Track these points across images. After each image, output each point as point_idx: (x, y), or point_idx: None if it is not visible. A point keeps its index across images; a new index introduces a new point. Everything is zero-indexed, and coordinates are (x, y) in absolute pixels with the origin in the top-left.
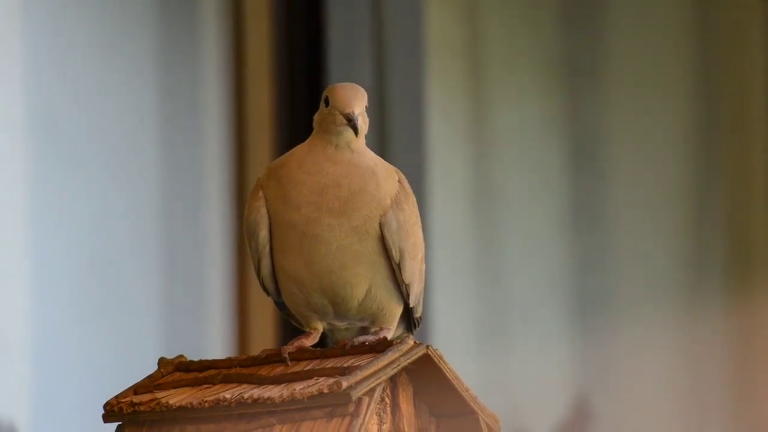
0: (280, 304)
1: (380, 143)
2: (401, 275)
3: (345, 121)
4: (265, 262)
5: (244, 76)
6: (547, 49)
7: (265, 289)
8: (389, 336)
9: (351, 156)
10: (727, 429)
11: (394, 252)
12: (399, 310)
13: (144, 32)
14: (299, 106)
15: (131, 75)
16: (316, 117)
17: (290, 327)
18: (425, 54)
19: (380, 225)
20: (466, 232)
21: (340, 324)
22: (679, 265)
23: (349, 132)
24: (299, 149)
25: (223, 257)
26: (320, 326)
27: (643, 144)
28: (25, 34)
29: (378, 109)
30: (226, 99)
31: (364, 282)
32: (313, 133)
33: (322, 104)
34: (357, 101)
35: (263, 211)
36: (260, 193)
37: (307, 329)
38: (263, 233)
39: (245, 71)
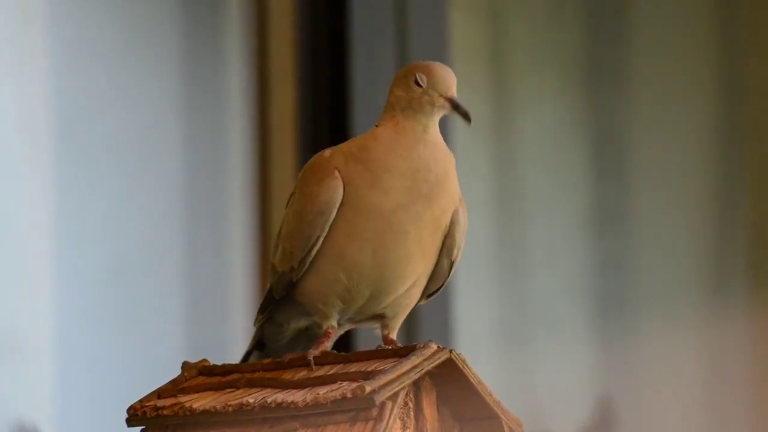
0: (271, 300)
1: None
2: (448, 273)
3: (447, 104)
4: (318, 246)
5: (268, 79)
6: (570, 52)
7: (280, 277)
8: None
9: (435, 138)
10: (751, 431)
11: (455, 250)
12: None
13: (166, 37)
14: (323, 109)
15: (154, 80)
16: (400, 94)
17: None
18: (449, 57)
19: (451, 221)
20: (489, 235)
21: (342, 323)
22: (702, 267)
23: (439, 114)
24: (383, 132)
25: (245, 260)
26: (336, 324)
27: (665, 147)
28: (48, 42)
29: None
30: (249, 102)
31: (412, 278)
32: (394, 112)
33: (409, 83)
34: (455, 85)
35: (341, 191)
36: (336, 173)
37: (324, 325)
38: (334, 214)
39: (268, 74)
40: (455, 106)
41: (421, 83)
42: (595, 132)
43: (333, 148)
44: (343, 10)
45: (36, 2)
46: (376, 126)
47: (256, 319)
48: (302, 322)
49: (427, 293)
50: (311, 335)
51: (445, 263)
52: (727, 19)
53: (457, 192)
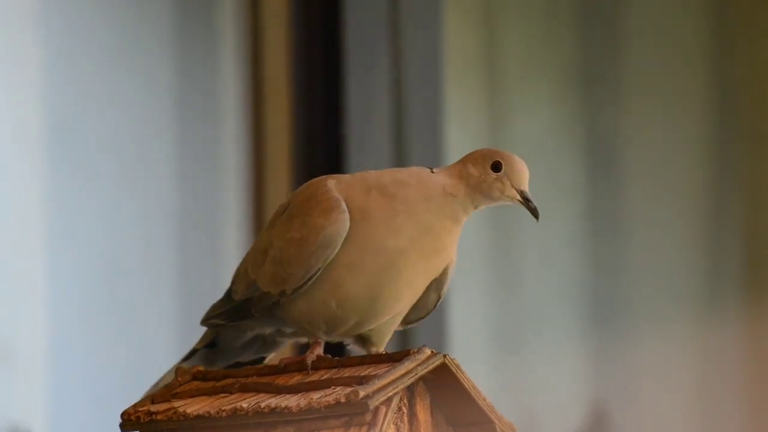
0: (237, 311)
1: (398, 152)
2: (435, 306)
3: (518, 196)
4: (316, 276)
5: (262, 85)
6: (564, 57)
7: (264, 296)
8: None
9: (461, 223)
10: None
11: (444, 286)
12: None
13: (160, 41)
14: (317, 114)
15: (147, 83)
16: (473, 172)
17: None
18: (443, 63)
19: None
20: (483, 241)
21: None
22: (696, 273)
23: (498, 202)
24: (432, 183)
25: (238, 265)
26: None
27: (660, 152)
28: (41, 44)
29: (396, 118)
30: (243, 107)
31: (398, 310)
32: (455, 181)
33: (486, 165)
34: (528, 181)
35: (348, 225)
36: (343, 205)
37: (311, 340)
38: (339, 247)
39: (262, 80)
40: (526, 200)
41: (498, 169)
42: (590, 137)
43: (345, 177)
44: (337, 16)
45: (28, 2)
46: (431, 170)
47: (205, 320)
48: (268, 330)
49: (408, 321)
50: (270, 341)
51: (432, 296)
52: (720, 25)
53: (454, 253)
